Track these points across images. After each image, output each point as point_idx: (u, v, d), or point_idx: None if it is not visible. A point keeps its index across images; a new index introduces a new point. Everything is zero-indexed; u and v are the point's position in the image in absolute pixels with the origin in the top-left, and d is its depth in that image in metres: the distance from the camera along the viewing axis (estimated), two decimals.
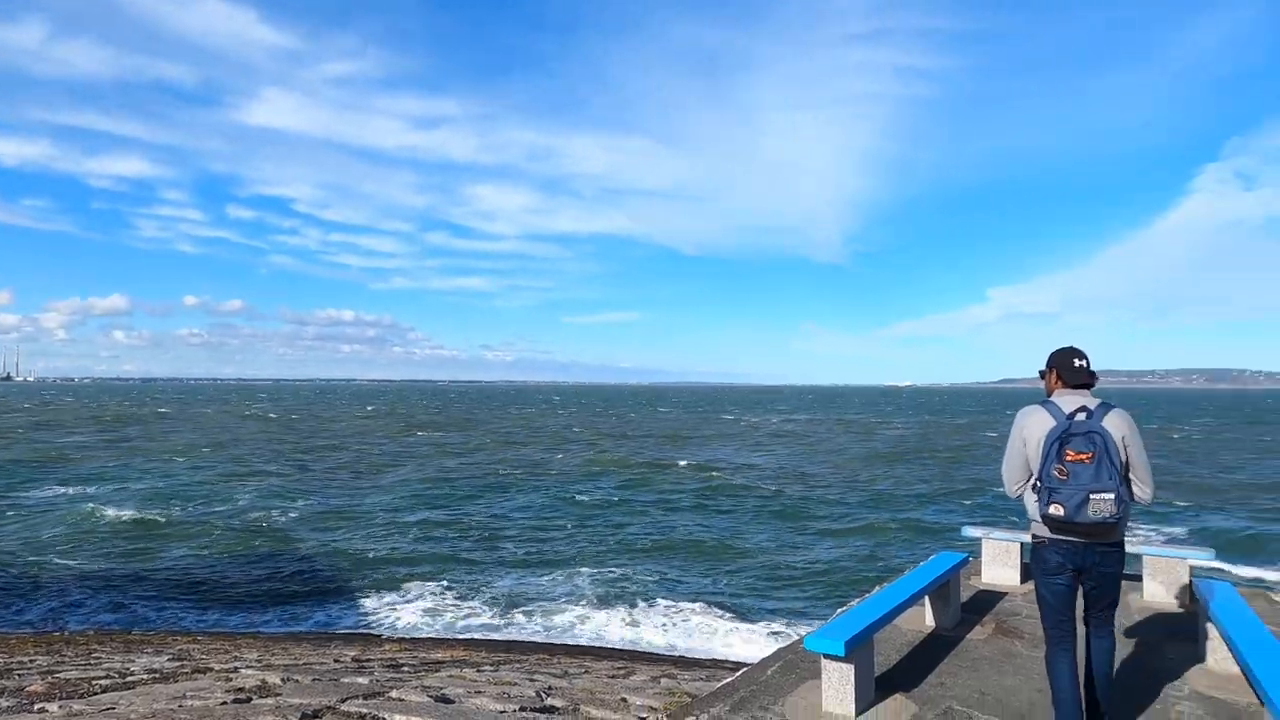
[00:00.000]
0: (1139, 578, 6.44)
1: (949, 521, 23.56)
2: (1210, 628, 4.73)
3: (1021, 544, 6.76)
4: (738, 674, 4.74)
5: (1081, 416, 3.52)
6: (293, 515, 24.11)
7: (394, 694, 5.38)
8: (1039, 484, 3.54)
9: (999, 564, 6.84)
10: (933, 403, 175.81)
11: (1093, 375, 3.70)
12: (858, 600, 5.06)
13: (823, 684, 4.13)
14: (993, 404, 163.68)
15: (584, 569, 17.93)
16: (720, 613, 14.80)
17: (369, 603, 15.56)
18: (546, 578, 17.30)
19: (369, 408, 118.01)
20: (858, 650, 4.05)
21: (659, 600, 15.54)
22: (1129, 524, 3.68)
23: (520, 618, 14.54)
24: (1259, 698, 3.42)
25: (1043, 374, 3.89)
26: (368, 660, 8.38)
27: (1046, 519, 3.51)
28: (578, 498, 28.35)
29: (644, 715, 5.19)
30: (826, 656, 4.07)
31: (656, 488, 31.09)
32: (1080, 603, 3.72)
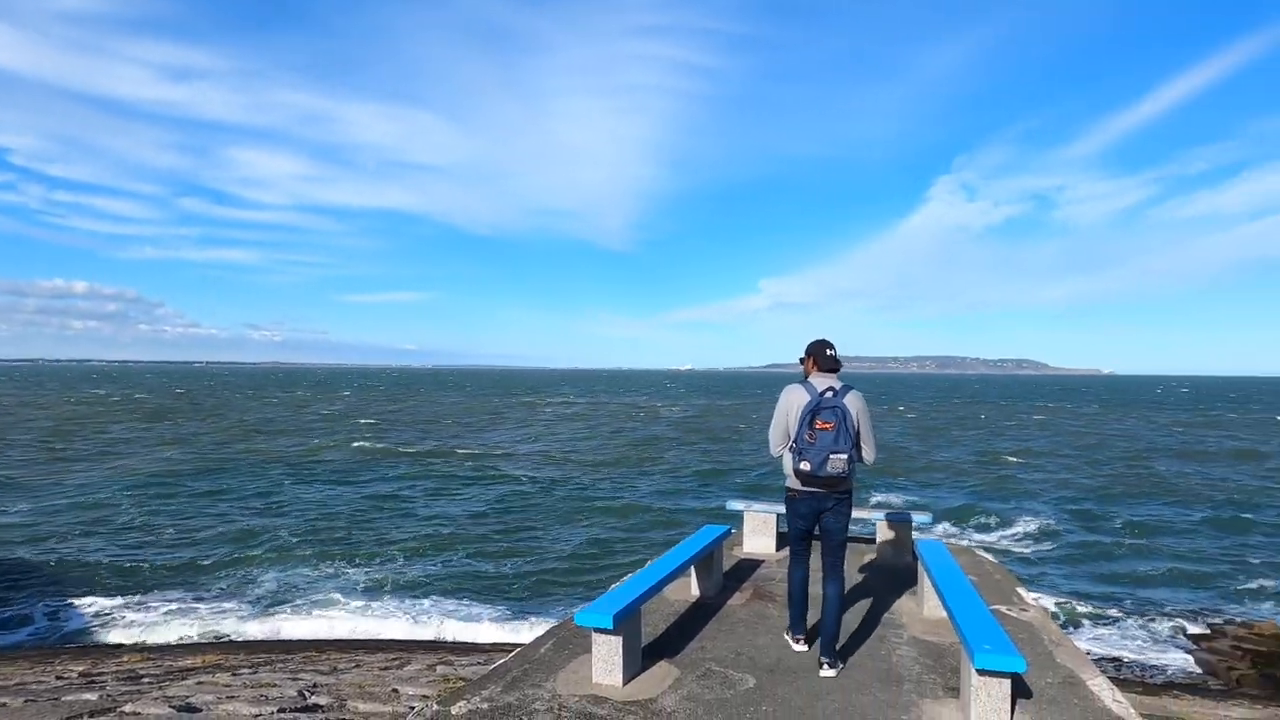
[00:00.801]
0: (873, 540, 7.27)
1: (720, 496, 25.11)
2: (925, 580, 5.45)
3: (778, 515, 7.37)
4: (511, 654, 4.76)
5: (829, 394, 4.48)
6: None
7: (129, 708, 4.83)
8: (795, 446, 4.48)
9: (759, 534, 7.41)
10: (710, 385, 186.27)
11: (839, 362, 4.66)
12: (629, 575, 5.26)
13: (593, 657, 4.26)
14: (762, 386, 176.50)
15: (357, 562, 17.13)
16: (499, 598, 14.78)
17: (104, 609, 13.81)
18: (315, 572, 16.33)
19: (100, 391, 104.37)
20: (625, 623, 4.22)
21: (436, 589, 15.22)
22: (863, 489, 4.27)
23: (288, 616, 13.62)
24: (959, 637, 3.99)
25: (802, 360, 4.75)
26: (99, 674, 7.45)
27: (798, 473, 4.50)
28: (349, 488, 26.97)
29: (414, 704, 5.07)
30: (596, 630, 4.20)
31: (435, 476, 30.30)
32: (817, 548, 4.74)
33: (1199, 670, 14.81)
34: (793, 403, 4.54)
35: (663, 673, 4.43)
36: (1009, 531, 23.22)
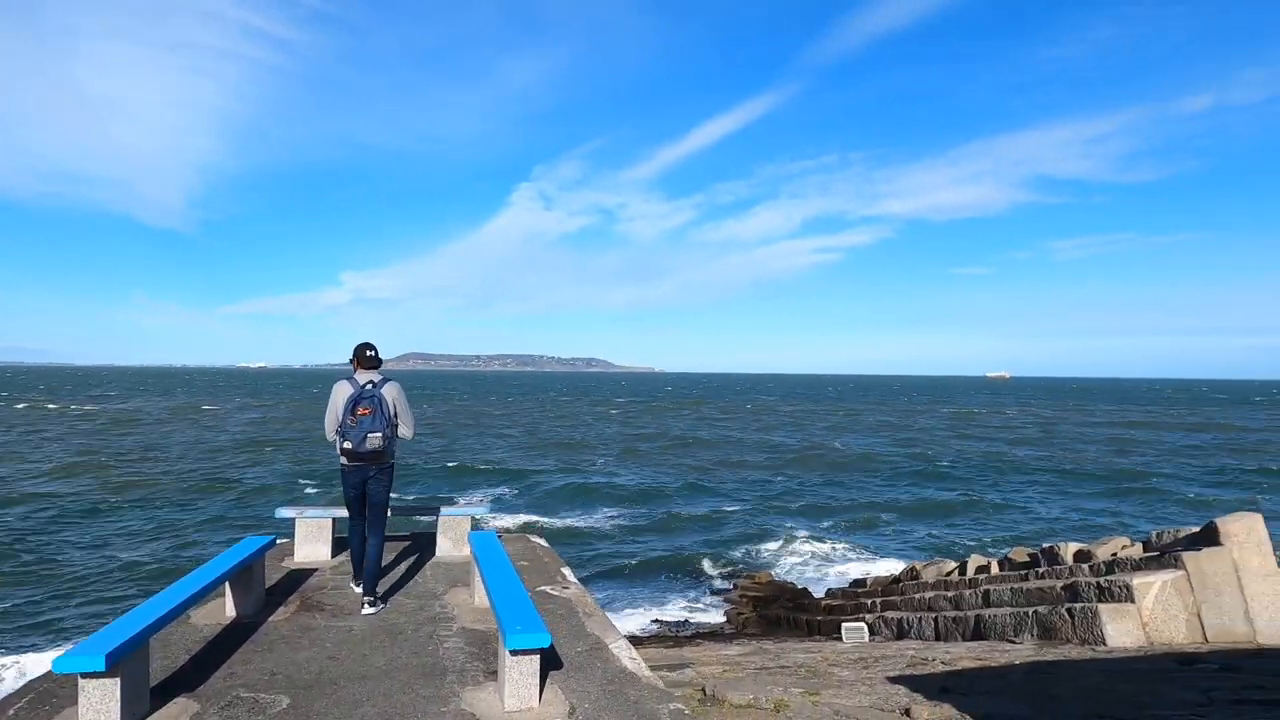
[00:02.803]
0: (434, 536, 7.32)
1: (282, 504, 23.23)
2: (476, 571, 5.63)
3: (335, 519, 7.02)
4: None
5: (369, 386, 5.55)
6: None
7: None
8: (340, 429, 5.46)
9: (313, 541, 6.96)
10: (285, 384, 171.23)
11: (379, 360, 5.73)
12: (138, 603, 4.53)
13: (79, 710, 3.57)
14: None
15: None
16: None
17: None
18: None
19: None
20: (126, 660, 3.61)
21: None
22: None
23: None
24: (497, 622, 4.18)
25: (352, 360, 5.74)
26: None
27: (344, 451, 5.49)
28: None
29: None
30: (84, 676, 3.53)
31: None
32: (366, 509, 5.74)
33: (720, 619, 17.83)
34: (338, 394, 5.54)
35: (178, 710, 3.89)
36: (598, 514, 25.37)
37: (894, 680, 5.99)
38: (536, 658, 3.94)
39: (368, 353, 5.66)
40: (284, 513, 7.04)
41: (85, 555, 18.42)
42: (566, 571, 6.68)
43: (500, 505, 27.09)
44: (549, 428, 60.32)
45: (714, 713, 4.79)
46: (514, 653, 3.88)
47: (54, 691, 4.07)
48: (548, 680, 4.25)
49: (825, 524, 25.19)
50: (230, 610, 5.37)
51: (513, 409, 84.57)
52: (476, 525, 7.38)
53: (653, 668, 6.88)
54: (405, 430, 5.67)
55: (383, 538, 5.71)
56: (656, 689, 4.21)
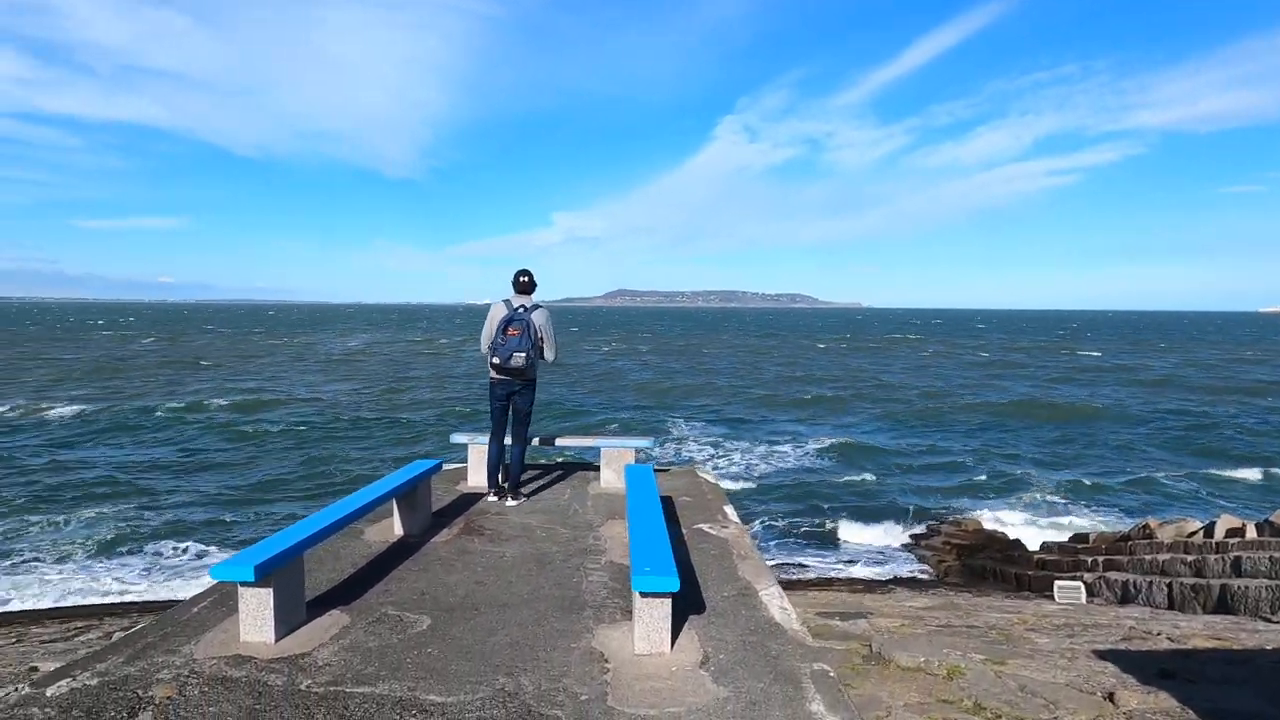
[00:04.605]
0: (598, 468, 7.28)
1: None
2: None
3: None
4: (158, 616, 4.17)
5: (521, 310, 6.16)
6: None
7: None
8: (492, 346, 6.10)
9: (485, 466, 7.14)
10: None
11: (532, 285, 6.29)
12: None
13: (240, 614, 3.80)
14: (558, 321, 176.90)
15: (57, 523, 15.06)
16: (210, 549, 13.63)
17: None
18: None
19: None
20: (278, 572, 3.78)
21: (148, 546, 13.74)
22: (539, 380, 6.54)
23: None
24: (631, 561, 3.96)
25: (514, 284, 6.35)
26: None
27: (492, 366, 6.18)
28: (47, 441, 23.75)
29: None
30: (242, 584, 3.73)
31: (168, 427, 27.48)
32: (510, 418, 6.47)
33: (917, 566, 16.91)
34: (495, 315, 6.18)
35: (330, 623, 4.06)
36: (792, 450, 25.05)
37: (1102, 655, 5.14)
38: (668, 601, 3.68)
39: (521, 278, 6.26)
40: (458, 438, 7.29)
41: (326, 467, 20.83)
42: (729, 510, 6.37)
43: (681, 438, 27.33)
44: (749, 364, 59.94)
45: (874, 673, 4.32)
46: (643, 595, 3.64)
47: (233, 594, 4.40)
48: (685, 625, 3.99)
49: (1050, 477, 22.92)
50: (398, 529, 5.60)
51: (715, 344, 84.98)
52: (643, 458, 7.24)
53: (823, 615, 6.46)
54: (549, 353, 6.25)
55: (525, 445, 6.54)
56: (803, 644, 3.81)
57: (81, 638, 6.43)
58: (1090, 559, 12.64)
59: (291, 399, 34.55)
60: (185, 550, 13.62)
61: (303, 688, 3.32)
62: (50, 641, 6.34)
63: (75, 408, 30.62)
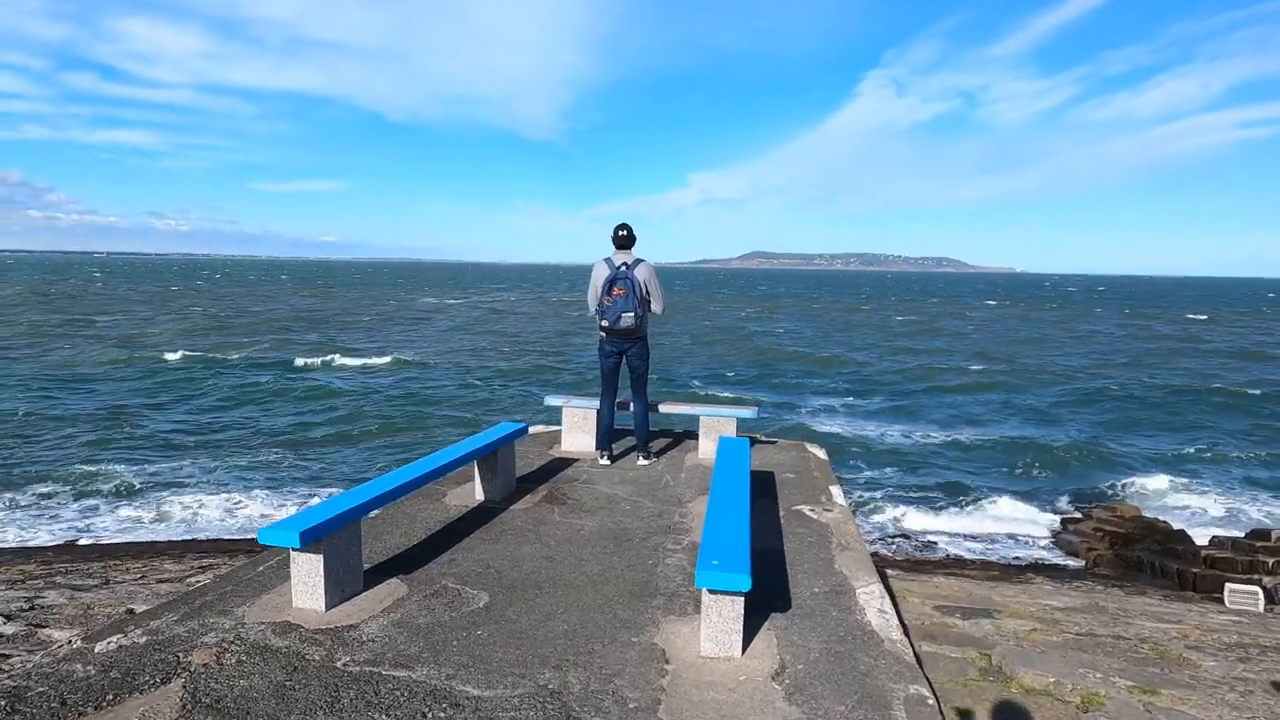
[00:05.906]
0: (697, 437, 6.83)
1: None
2: None
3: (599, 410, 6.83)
4: (221, 573, 4.12)
5: (623, 268, 5.95)
6: None
7: None
8: (599, 308, 6.00)
9: (579, 430, 6.87)
10: None
11: (629, 240, 6.01)
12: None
13: (292, 580, 3.65)
14: (691, 283, 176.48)
15: (219, 459, 16.20)
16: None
17: None
18: (163, 468, 15.37)
19: None
20: (329, 538, 3.59)
21: (296, 490, 14.52)
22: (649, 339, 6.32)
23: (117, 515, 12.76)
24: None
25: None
26: None
27: (601, 328, 6.06)
28: (215, 386, 25.66)
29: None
30: (293, 549, 3.57)
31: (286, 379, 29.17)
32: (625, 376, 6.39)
33: (1061, 552, 15.50)
34: (598, 275, 6.02)
35: (386, 593, 3.86)
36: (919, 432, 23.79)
37: None
38: (740, 600, 3.20)
39: (620, 232, 6.01)
40: (552, 400, 7.03)
41: (434, 425, 21.49)
42: (834, 490, 5.76)
43: (800, 410, 26.30)
44: (890, 329, 57.35)
45: (989, 694, 3.68)
46: (711, 591, 3.18)
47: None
48: (764, 624, 3.51)
49: (1230, 467, 20.42)
50: (479, 494, 5.39)
51: (852, 309, 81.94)
52: (745, 430, 6.72)
53: (943, 611, 5.77)
54: (656, 306, 6.11)
55: (646, 403, 6.42)
56: (901, 660, 3.24)
57: (193, 579, 6.69)
58: (1272, 560, 11.06)
59: (439, 361, 35.98)
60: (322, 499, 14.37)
61: (339, 665, 3.11)
62: (166, 580, 6.63)
63: (242, 354, 33.20)
